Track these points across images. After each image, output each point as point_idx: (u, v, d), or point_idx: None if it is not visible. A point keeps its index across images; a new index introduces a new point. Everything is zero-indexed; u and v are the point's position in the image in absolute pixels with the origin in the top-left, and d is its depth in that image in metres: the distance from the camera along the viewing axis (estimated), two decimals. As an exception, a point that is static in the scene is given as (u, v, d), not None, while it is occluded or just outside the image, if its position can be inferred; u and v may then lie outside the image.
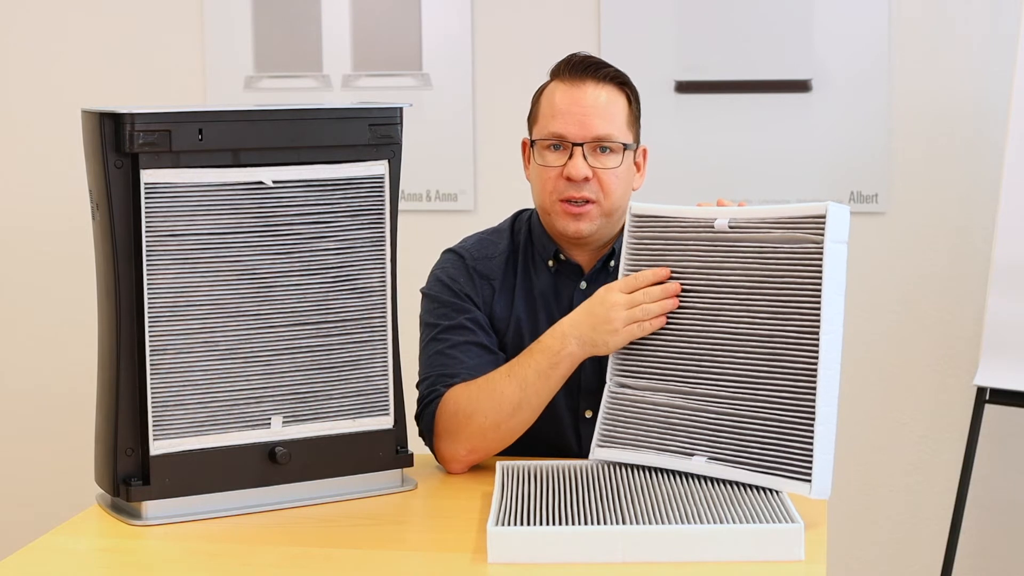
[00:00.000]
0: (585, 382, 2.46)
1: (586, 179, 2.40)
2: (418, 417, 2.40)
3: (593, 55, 2.48)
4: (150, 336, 2.11)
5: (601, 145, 2.41)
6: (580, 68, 2.44)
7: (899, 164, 3.53)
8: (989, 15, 3.45)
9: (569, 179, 2.40)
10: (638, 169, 2.50)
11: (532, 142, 2.47)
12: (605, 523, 1.95)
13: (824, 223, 2.05)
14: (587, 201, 2.41)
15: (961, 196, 3.50)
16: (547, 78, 2.49)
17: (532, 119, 2.50)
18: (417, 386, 2.42)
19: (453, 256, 2.54)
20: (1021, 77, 3.11)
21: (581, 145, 2.40)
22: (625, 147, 2.42)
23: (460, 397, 2.35)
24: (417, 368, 2.45)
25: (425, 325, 2.49)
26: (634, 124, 2.47)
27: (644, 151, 2.52)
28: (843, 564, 3.62)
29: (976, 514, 3.53)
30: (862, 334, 3.54)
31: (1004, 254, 3.11)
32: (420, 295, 2.52)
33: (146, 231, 2.09)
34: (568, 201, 2.41)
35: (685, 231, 2.21)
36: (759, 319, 2.12)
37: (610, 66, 2.46)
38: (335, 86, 3.74)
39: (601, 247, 2.49)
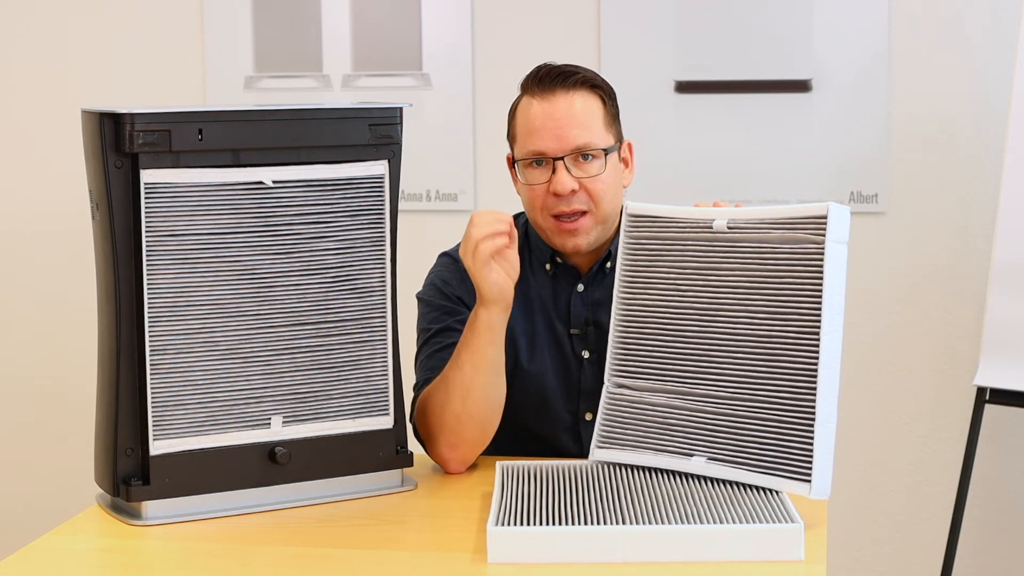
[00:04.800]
0: (585, 384, 2.46)
1: (573, 192, 2.39)
2: (411, 422, 2.39)
3: (559, 63, 2.44)
4: (150, 336, 2.11)
5: (583, 154, 2.39)
6: (549, 79, 2.41)
7: (899, 164, 3.53)
8: (989, 15, 3.45)
9: (556, 195, 2.39)
10: (626, 165, 2.49)
11: (515, 162, 2.46)
12: (605, 523, 1.95)
13: (825, 223, 2.05)
14: (580, 213, 2.40)
15: (961, 196, 3.50)
16: (520, 91, 2.47)
17: (511, 137, 2.48)
18: (412, 389, 2.42)
19: (448, 259, 2.54)
20: (1021, 77, 3.11)
21: (562, 159, 2.38)
22: (607, 152, 2.41)
23: (425, 397, 2.36)
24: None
25: (419, 330, 2.49)
26: (613, 123, 2.45)
27: (629, 146, 2.50)
28: (843, 564, 3.62)
29: (976, 514, 3.53)
30: (862, 334, 3.54)
31: (1004, 254, 3.11)
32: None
33: (146, 231, 2.09)
34: (559, 217, 2.40)
35: (683, 231, 2.20)
36: (758, 319, 2.11)
37: (579, 70, 2.43)
38: (335, 86, 3.75)
39: (598, 249, 2.48)
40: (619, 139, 2.46)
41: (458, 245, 2.54)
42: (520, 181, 2.44)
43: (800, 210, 2.09)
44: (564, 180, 2.38)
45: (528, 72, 2.45)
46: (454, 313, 2.45)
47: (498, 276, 2.26)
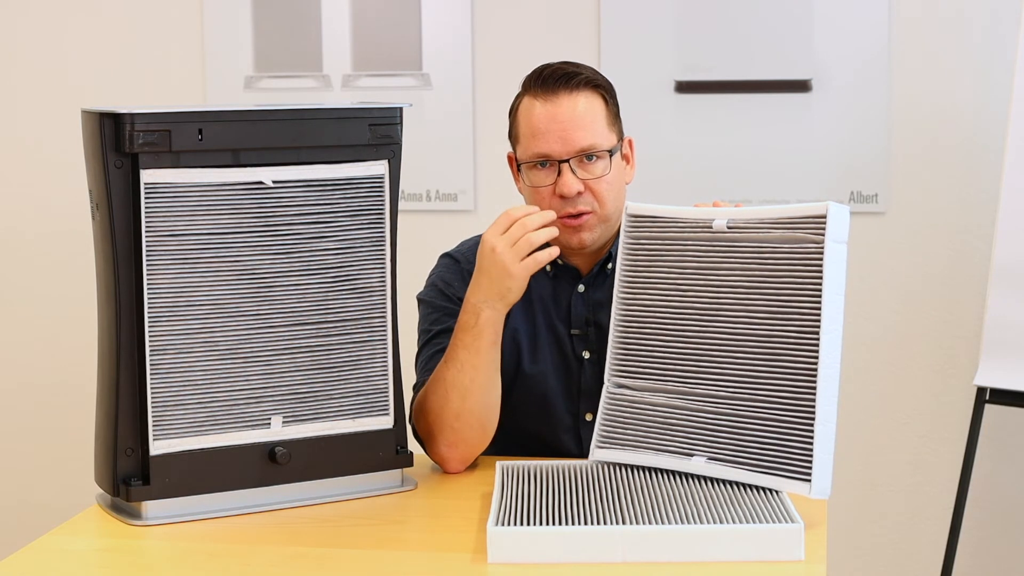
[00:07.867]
0: (585, 385, 2.45)
1: (579, 193, 2.38)
2: (411, 422, 2.39)
3: (561, 62, 2.44)
4: (150, 336, 2.11)
5: (587, 155, 2.39)
6: (552, 80, 2.39)
7: (899, 164, 3.53)
8: (989, 15, 3.45)
9: (562, 196, 2.39)
10: (628, 162, 2.48)
11: (519, 165, 2.45)
12: (605, 523, 1.95)
13: (825, 223, 2.05)
14: (585, 213, 2.39)
15: (961, 196, 3.50)
16: (521, 90, 2.45)
17: (513, 137, 2.46)
18: (412, 390, 2.42)
19: (449, 260, 2.53)
20: (1021, 77, 3.11)
21: (567, 161, 2.38)
22: (611, 152, 2.40)
23: (422, 398, 2.36)
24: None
25: (420, 331, 2.49)
26: (615, 122, 2.44)
27: (630, 142, 2.49)
28: (843, 564, 3.62)
29: (976, 514, 3.53)
30: (862, 334, 3.54)
31: (1004, 254, 3.11)
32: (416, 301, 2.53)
33: (146, 231, 2.09)
34: (565, 217, 2.40)
35: (682, 231, 2.20)
36: (758, 319, 2.11)
37: (580, 71, 2.42)
38: (335, 86, 3.75)
39: (599, 250, 2.48)
40: (621, 137, 2.46)
41: (459, 245, 2.55)
42: (525, 183, 2.43)
43: (800, 210, 2.09)
44: (570, 182, 2.37)
45: (529, 71, 2.44)
46: (455, 314, 2.44)
47: (530, 274, 2.27)
